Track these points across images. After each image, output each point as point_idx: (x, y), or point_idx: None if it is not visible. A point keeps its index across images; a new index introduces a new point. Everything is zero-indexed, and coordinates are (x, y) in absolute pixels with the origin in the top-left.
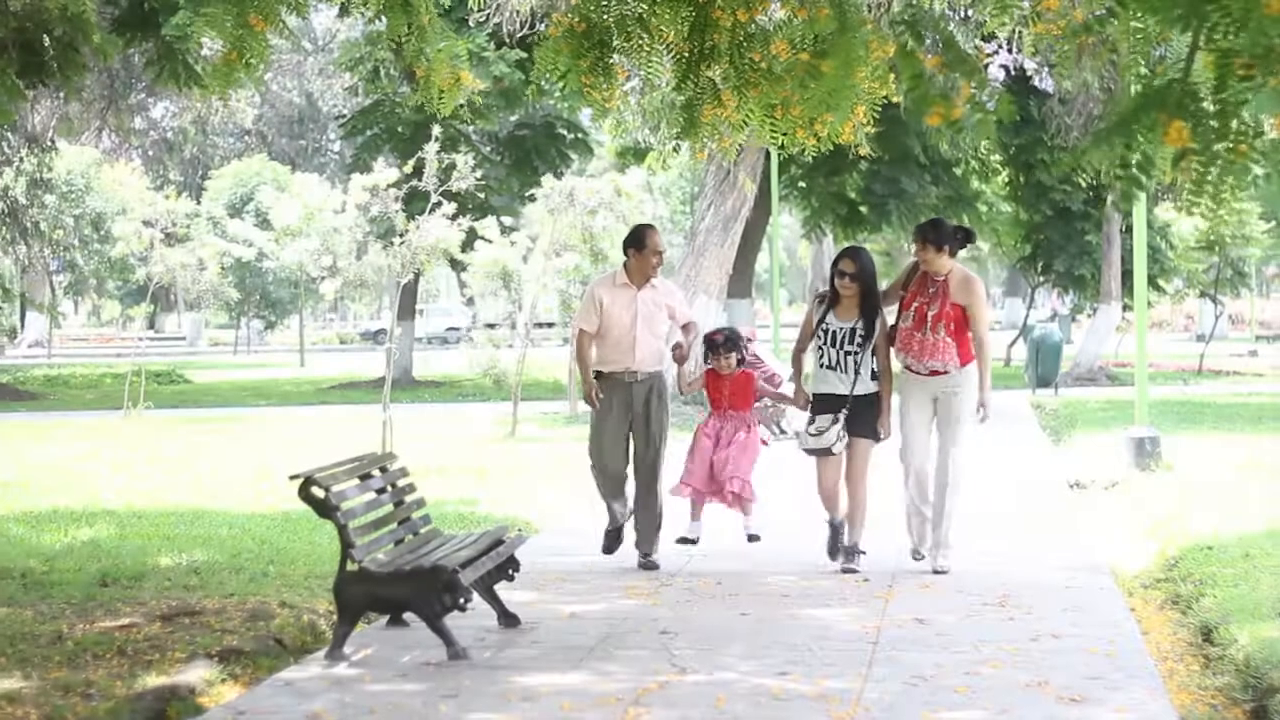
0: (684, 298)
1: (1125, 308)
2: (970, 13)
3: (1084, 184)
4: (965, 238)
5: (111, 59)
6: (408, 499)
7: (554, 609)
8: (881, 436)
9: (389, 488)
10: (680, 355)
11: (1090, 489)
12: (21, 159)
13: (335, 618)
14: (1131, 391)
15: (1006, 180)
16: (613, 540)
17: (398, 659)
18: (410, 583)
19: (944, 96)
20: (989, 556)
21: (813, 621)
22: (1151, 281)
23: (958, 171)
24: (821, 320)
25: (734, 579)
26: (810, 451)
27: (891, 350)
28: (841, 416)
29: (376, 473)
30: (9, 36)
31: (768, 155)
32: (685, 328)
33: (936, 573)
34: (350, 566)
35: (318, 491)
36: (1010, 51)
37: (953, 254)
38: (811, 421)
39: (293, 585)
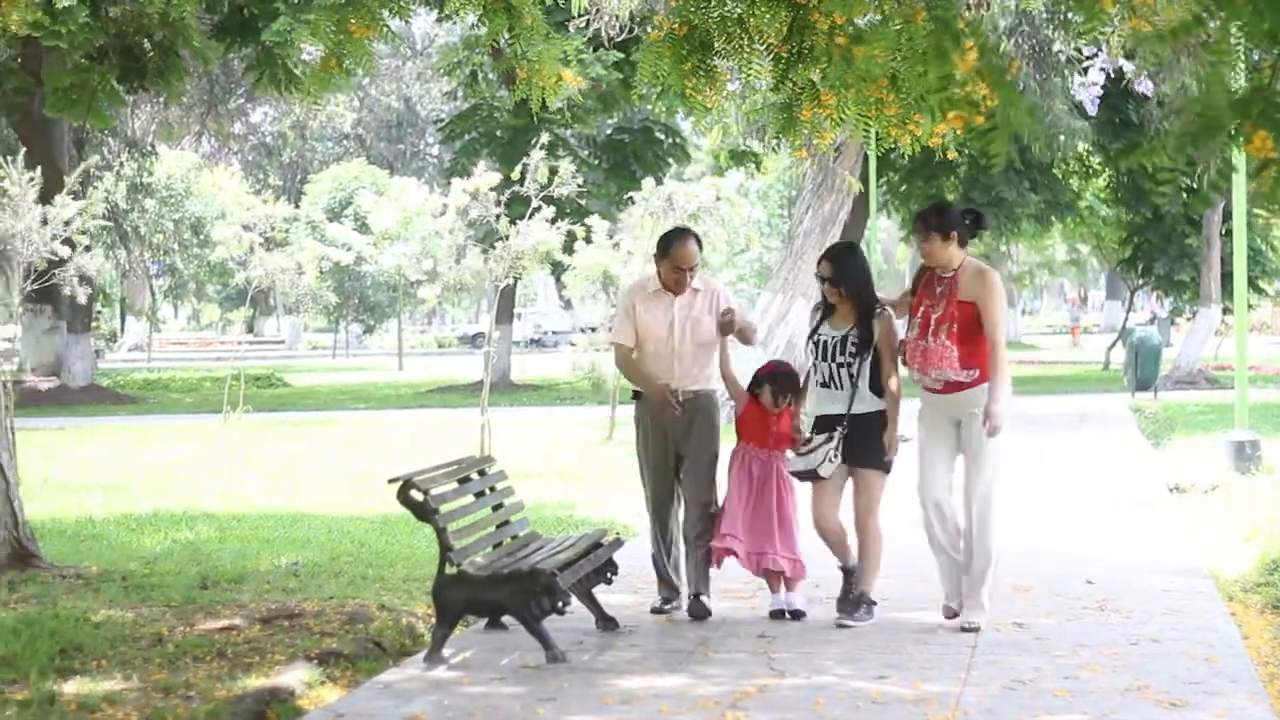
0: (736, 303)
1: (1225, 310)
2: (1069, 15)
3: (1183, 187)
4: (975, 223)
5: (211, 64)
6: (506, 502)
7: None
8: (887, 456)
9: (487, 491)
10: (729, 321)
11: (1190, 492)
12: (122, 163)
13: (434, 620)
14: (1231, 395)
15: (1107, 183)
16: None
17: (496, 662)
18: (509, 586)
19: (970, 102)
20: (1088, 560)
21: (911, 625)
22: (1252, 283)
23: (1057, 174)
24: (814, 332)
25: (831, 583)
26: (796, 475)
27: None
28: (837, 436)
29: (475, 476)
30: (109, 42)
31: (866, 159)
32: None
33: (965, 630)
34: (449, 569)
35: (416, 495)
36: (1110, 55)
37: (962, 243)
38: (807, 442)
39: (391, 588)
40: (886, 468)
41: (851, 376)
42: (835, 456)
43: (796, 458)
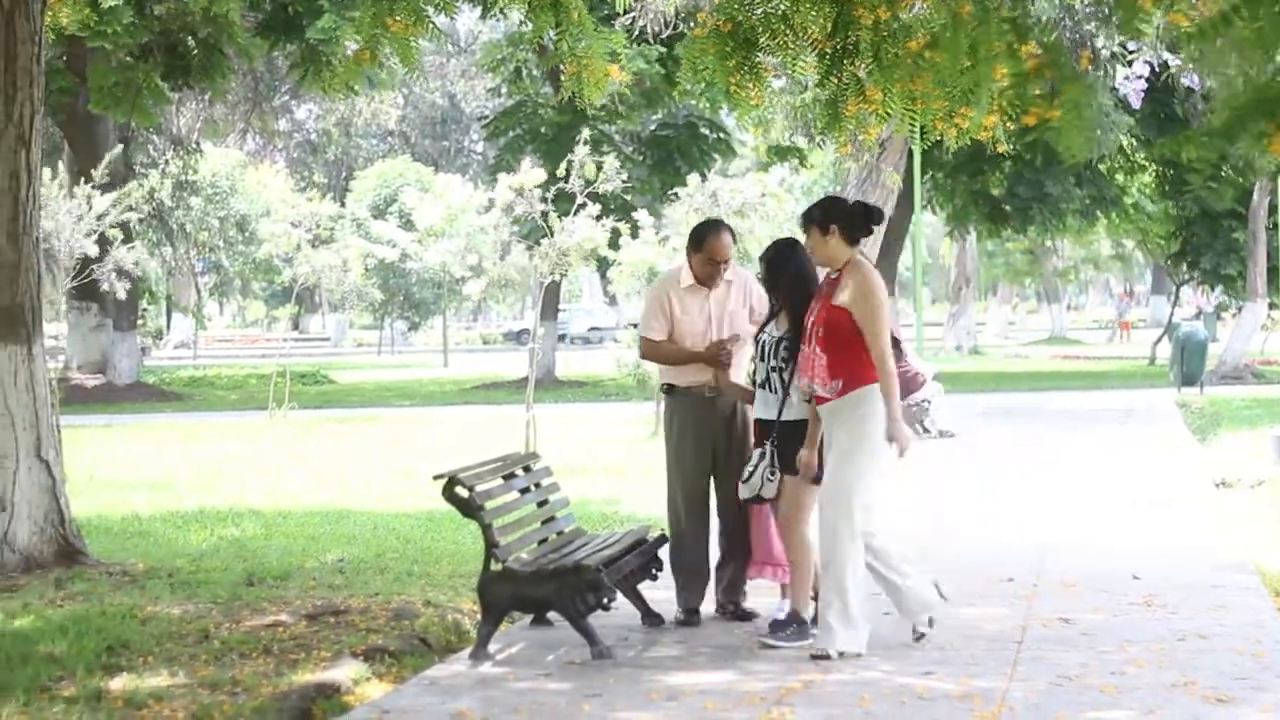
0: (759, 296)
1: (1271, 305)
2: (1112, 9)
3: (1225, 177)
4: (866, 217)
5: (256, 61)
6: (551, 498)
7: None
8: (799, 471)
9: (532, 487)
10: (729, 353)
11: (1236, 487)
12: (167, 161)
13: (479, 617)
14: (1278, 389)
15: (1152, 178)
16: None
17: (542, 658)
18: (554, 582)
19: (1044, 98)
20: (1133, 555)
21: (957, 621)
22: None
23: (1102, 169)
24: (760, 330)
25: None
26: (747, 503)
27: None
28: (768, 449)
29: (520, 472)
30: (154, 40)
31: (910, 154)
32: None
33: (814, 658)
34: (494, 566)
35: (462, 491)
36: (1155, 49)
37: (850, 240)
38: (748, 459)
39: (437, 585)
40: (818, 478)
41: (784, 382)
42: (773, 474)
43: (742, 485)
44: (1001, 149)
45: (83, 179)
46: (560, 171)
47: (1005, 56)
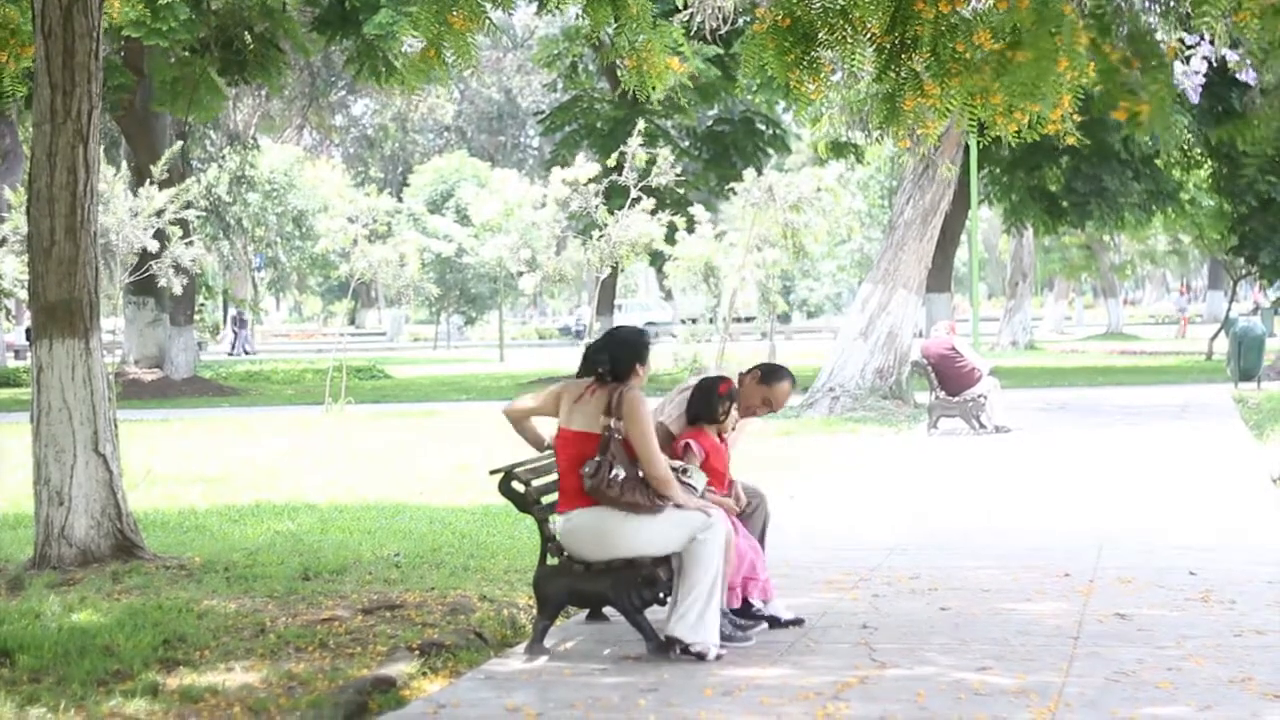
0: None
1: None
2: (1174, 3)
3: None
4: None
5: (312, 56)
6: None
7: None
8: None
9: None
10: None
11: None
12: (224, 156)
13: (535, 611)
14: None
15: (1209, 173)
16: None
17: (598, 653)
18: (609, 577)
19: (1131, 92)
20: (1190, 551)
21: (1013, 616)
22: None
23: (1159, 163)
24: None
25: (934, 573)
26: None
27: None
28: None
29: None
30: (210, 35)
31: (966, 149)
32: None
33: (669, 638)
34: (550, 560)
35: (518, 486)
36: (1212, 43)
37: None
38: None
39: (493, 579)
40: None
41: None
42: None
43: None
44: (1071, 141)
45: (144, 176)
46: (612, 162)
47: (1090, 52)
